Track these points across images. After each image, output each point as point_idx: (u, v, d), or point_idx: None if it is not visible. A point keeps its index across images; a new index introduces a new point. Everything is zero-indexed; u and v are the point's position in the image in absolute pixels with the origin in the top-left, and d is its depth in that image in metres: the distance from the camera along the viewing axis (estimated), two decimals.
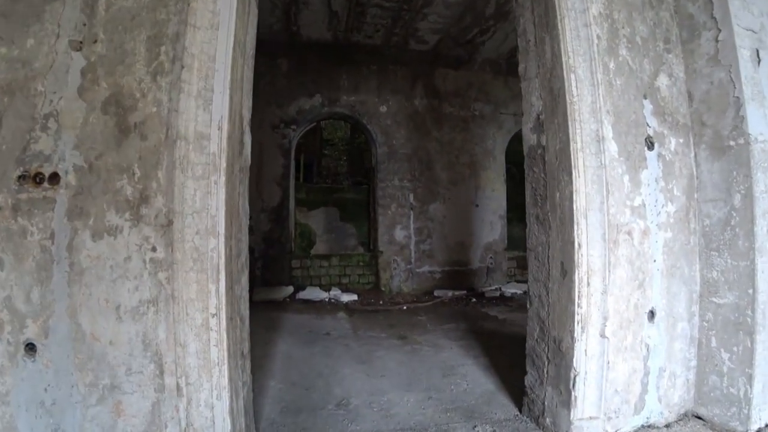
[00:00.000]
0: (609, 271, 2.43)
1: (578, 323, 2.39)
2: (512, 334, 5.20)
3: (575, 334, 2.40)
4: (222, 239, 1.84)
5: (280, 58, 8.17)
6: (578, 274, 2.38)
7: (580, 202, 2.40)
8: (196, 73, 1.87)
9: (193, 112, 1.86)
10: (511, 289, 8.31)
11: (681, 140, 2.95)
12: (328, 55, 8.32)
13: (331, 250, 9.22)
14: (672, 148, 2.89)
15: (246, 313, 2.25)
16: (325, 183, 10.97)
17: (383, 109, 8.46)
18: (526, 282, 8.81)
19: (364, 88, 8.42)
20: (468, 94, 9.02)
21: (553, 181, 2.60)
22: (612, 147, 2.56)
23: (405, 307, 6.79)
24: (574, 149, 2.43)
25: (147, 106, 1.93)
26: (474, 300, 7.45)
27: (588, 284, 2.38)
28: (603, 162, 2.47)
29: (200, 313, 1.79)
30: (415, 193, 8.39)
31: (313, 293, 7.47)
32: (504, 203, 9.13)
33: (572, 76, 2.52)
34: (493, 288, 8.44)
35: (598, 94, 2.54)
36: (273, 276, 7.70)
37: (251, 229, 7.70)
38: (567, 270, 2.45)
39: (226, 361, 1.81)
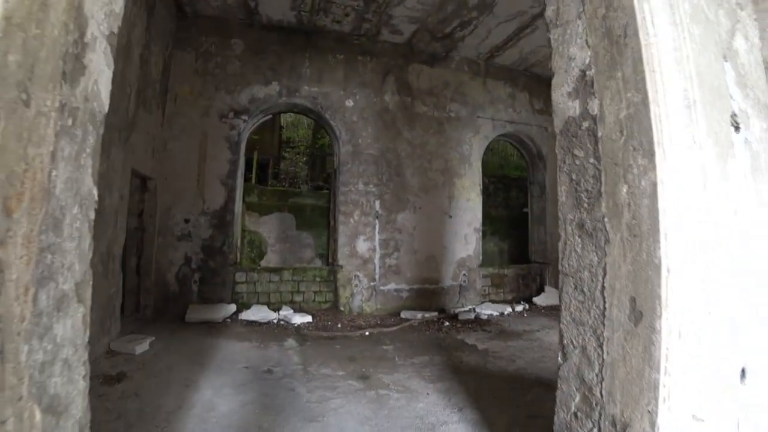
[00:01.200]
0: (708, 312, 1.51)
1: (663, 400, 1.44)
2: (500, 372, 4.26)
3: (657, 418, 1.45)
4: None
5: (235, 38, 7.07)
6: (665, 318, 1.44)
7: (667, 200, 1.47)
8: None
9: None
10: (487, 311, 7.44)
11: (764, 125, 2.12)
12: (290, 40, 7.28)
13: (284, 262, 8.05)
14: (757, 134, 2.05)
15: (72, 390, 1.16)
16: (282, 186, 9.80)
17: (349, 103, 7.48)
18: (501, 302, 7.92)
19: (328, 79, 7.42)
20: (444, 93, 8.21)
21: (614, 169, 1.66)
22: (701, 119, 1.66)
23: (368, 333, 5.73)
24: (656, 116, 1.52)
25: None
26: (447, 324, 6.49)
27: (679, 335, 1.45)
28: (695, 139, 1.57)
29: None
30: (382, 200, 7.41)
31: (260, 313, 6.28)
32: (479, 215, 8.32)
33: (645, 6, 1.62)
34: (467, 309, 7.54)
35: (683, 38, 1.65)
36: (212, 292, 6.46)
37: (188, 235, 6.46)
38: (643, 311, 1.51)
39: None
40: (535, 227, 9.53)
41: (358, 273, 7.10)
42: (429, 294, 7.68)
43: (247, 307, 6.54)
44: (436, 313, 7.08)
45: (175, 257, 6.39)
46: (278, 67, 7.18)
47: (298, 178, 10.78)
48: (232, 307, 6.37)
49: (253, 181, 8.92)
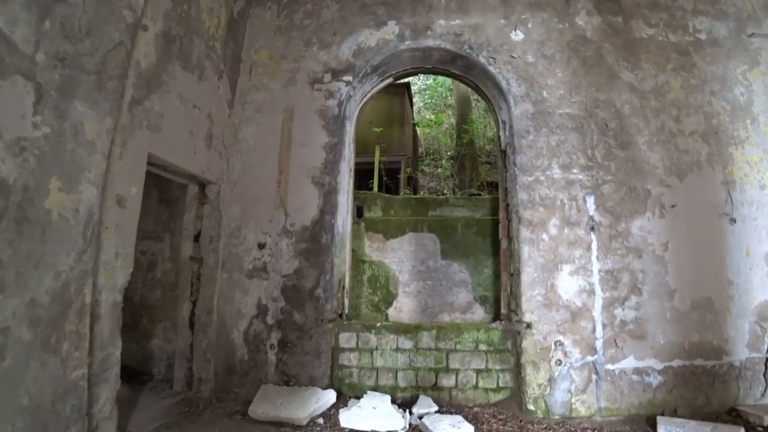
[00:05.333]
0: None
1: None
2: None
3: None
4: None
5: None
6: None
7: None
8: None
9: None
10: None
11: None
12: None
13: (424, 310, 5.08)
14: None
15: None
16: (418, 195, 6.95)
17: (516, 36, 4.37)
18: None
19: (477, 5, 4.48)
20: (679, 3, 4.56)
21: None
22: None
23: None
24: None
25: None
26: None
27: None
28: None
29: None
30: (599, 195, 3.95)
31: (375, 413, 3.34)
32: None
33: None
34: None
35: None
36: (298, 365, 3.79)
37: (263, 269, 3.93)
38: None
39: None
40: None
41: (561, 338, 3.67)
42: (702, 377, 3.83)
43: (357, 392, 3.71)
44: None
45: (243, 305, 3.95)
46: (394, 1, 4.52)
47: (445, 183, 7.84)
48: (329, 396, 3.57)
49: (375, 188, 6.35)
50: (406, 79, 6.61)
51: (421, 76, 12.84)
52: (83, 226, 2.51)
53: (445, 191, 7.44)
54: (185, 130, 3.60)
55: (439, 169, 8.02)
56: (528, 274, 3.73)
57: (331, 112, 4.26)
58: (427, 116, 10.01)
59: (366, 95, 4.72)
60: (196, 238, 4.06)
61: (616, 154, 4.03)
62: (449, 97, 10.78)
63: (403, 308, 5.14)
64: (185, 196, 4.21)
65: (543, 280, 3.73)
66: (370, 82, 4.63)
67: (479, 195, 6.30)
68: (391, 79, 4.80)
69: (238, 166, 4.24)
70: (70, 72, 2.44)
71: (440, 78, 11.75)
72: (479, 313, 5.04)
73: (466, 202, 5.49)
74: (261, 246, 4.01)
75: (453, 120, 9.53)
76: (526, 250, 3.77)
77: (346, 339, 3.91)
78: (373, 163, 6.64)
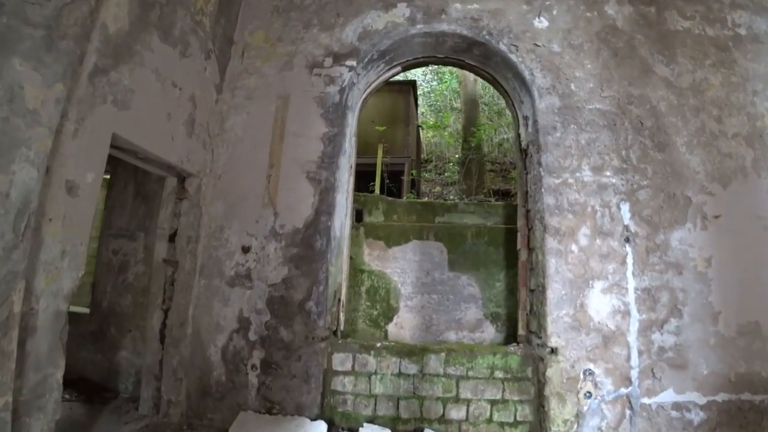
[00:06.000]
0: None
1: None
2: None
3: None
4: None
5: None
6: None
7: None
8: None
9: None
10: None
11: None
12: None
13: (428, 328, 4.56)
14: None
15: None
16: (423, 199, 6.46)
17: (541, 23, 3.92)
18: None
19: None
20: None
21: None
22: None
23: None
24: None
25: None
26: None
27: None
28: None
29: None
30: (634, 202, 3.46)
31: None
32: None
33: None
34: None
35: None
36: (284, 390, 3.25)
37: (247, 276, 3.31)
38: None
39: None
40: None
41: (591, 366, 3.15)
42: (749, 414, 3.34)
43: (352, 423, 3.18)
44: None
45: (223, 317, 3.42)
46: None
47: (451, 188, 7.34)
48: (318, 429, 3.03)
49: (377, 190, 5.85)
50: (413, 74, 6.15)
51: (427, 77, 12.44)
52: (14, 216, 1.99)
53: (452, 196, 6.96)
54: (161, 112, 3.10)
55: (446, 173, 7.54)
56: (554, 291, 3.22)
57: (331, 99, 3.77)
58: (432, 120, 9.61)
59: (370, 85, 4.25)
60: (172, 238, 3.54)
61: (652, 156, 3.56)
62: (454, 101, 10.37)
63: (404, 324, 4.61)
64: (163, 191, 3.71)
65: (572, 298, 3.22)
66: (375, 69, 4.15)
67: (490, 201, 5.81)
68: (399, 68, 4.33)
69: (223, 158, 3.74)
70: (9, 21, 1.96)
71: (446, 79, 11.35)
72: (490, 331, 4.52)
73: (477, 208, 4.99)
74: (245, 249, 3.49)
75: (458, 125, 9.12)
76: (552, 263, 3.26)
77: (341, 360, 3.38)
78: (374, 164, 6.14)
